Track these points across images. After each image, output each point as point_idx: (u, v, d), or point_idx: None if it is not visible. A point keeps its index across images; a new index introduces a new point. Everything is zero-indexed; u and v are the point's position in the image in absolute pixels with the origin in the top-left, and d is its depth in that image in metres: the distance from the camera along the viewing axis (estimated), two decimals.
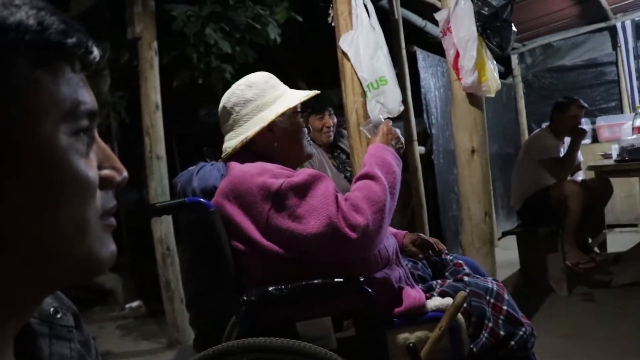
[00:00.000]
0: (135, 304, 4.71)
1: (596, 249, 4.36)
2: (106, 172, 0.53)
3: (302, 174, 1.42)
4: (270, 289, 1.39)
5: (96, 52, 0.51)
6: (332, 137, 2.94)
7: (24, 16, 0.45)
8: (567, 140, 4.06)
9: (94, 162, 0.51)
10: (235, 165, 1.51)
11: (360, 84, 2.48)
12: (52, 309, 0.59)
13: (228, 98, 1.59)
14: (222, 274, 1.53)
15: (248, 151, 1.53)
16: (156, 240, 3.50)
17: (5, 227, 0.45)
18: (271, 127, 1.54)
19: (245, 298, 1.40)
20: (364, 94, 2.49)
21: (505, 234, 5.64)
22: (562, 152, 3.99)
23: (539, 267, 3.80)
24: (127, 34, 3.57)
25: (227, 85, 4.56)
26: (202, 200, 1.53)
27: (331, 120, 2.94)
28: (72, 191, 0.48)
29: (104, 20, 4.40)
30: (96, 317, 4.54)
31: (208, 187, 1.89)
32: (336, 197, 1.38)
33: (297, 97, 1.59)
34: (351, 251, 1.36)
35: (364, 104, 2.49)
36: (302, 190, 1.38)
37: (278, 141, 1.56)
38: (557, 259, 3.71)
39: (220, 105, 1.61)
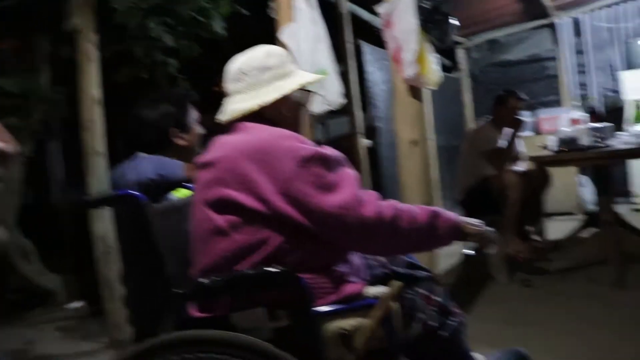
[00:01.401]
0: (77, 304, 4.58)
1: (536, 237, 4.50)
2: None
3: (330, 149, 1.47)
4: (203, 280, 1.38)
5: None
6: None
7: None
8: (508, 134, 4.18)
9: None
10: (253, 126, 1.51)
11: None
12: None
13: (245, 62, 1.59)
14: (155, 268, 1.50)
15: (257, 115, 1.55)
16: (97, 237, 3.41)
17: None
18: (286, 96, 1.58)
19: (177, 291, 1.38)
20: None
21: None
22: (501, 144, 4.11)
23: (480, 256, 3.89)
24: (66, 26, 3.46)
25: (173, 80, 4.48)
26: (133, 192, 1.50)
27: None
28: None
29: (43, 13, 4.26)
30: (35, 319, 4.39)
31: (142, 180, 1.85)
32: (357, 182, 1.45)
33: (310, 75, 1.66)
34: (360, 232, 1.41)
35: None
36: (331, 164, 1.43)
37: (288, 112, 1.61)
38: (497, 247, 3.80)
39: (235, 67, 1.60)
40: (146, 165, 1.95)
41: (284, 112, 1.59)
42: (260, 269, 1.40)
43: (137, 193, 1.51)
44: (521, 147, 4.36)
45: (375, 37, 5.08)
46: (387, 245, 1.48)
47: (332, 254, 1.48)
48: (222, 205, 1.44)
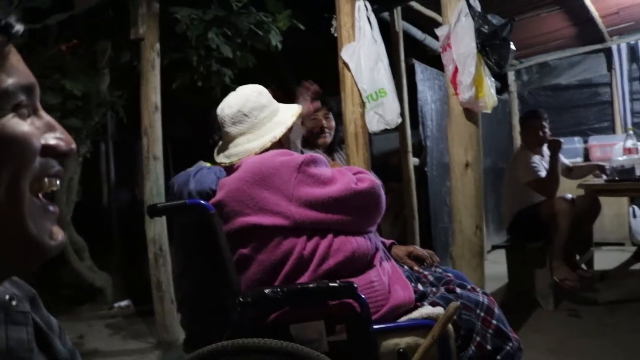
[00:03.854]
0: (124, 303, 4.72)
1: (583, 266, 4.41)
2: (51, 141, 0.55)
3: (314, 154, 1.65)
4: (266, 290, 1.43)
5: (18, 26, 0.52)
6: (327, 139, 2.78)
7: None
8: (546, 151, 4.16)
9: (36, 130, 0.53)
10: (246, 159, 1.63)
11: (360, 94, 2.53)
12: (7, 297, 0.62)
13: (243, 103, 1.71)
14: (218, 276, 1.56)
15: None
16: (149, 240, 3.50)
17: None
18: None
19: (241, 299, 1.44)
20: (363, 105, 2.54)
21: (494, 247, 5.70)
22: (544, 163, 4.06)
23: (527, 282, 3.85)
24: (130, 34, 3.61)
25: (226, 89, 4.60)
26: (202, 202, 1.57)
27: (327, 122, 2.76)
28: (12, 154, 0.50)
29: (106, 19, 4.43)
30: (85, 315, 4.54)
31: (204, 190, 1.91)
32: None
33: (294, 105, 1.83)
34: (366, 202, 1.58)
35: (363, 115, 2.54)
36: (320, 163, 1.59)
37: (284, 139, 1.74)
38: (544, 274, 3.77)
39: (233, 110, 1.71)
40: (208, 175, 2.01)
41: (281, 140, 1.71)
42: (322, 282, 1.45)
43: (206, 203, 1.57)
44: (565, 161, 4.32)
45: (426, 56, 5.12)
46: (383, 204, 1.64)
47: (356, 256, 1.54)
48: (244, 234, 1.55)
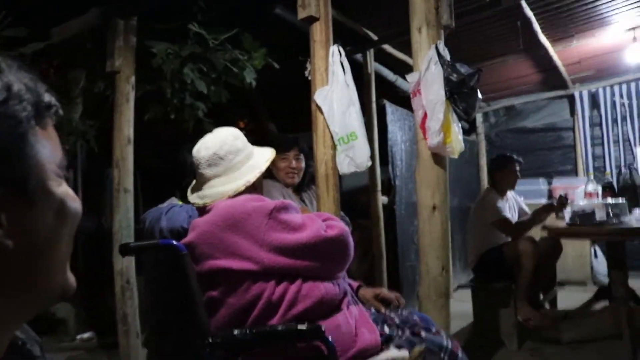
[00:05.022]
0: (86, 335, 4.61)
1: (547, 305, 4.51)
2: None
3: (285, 200, 1.70)
4: (235, 332, 1.45)
5: (57, 103, 0.59)
6: (295, 180, 2.92)
7: (19, 82, 0.52)
8: (510, 195, 4.27)
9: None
10: (219, 202, 1.66)
11: (332, 137, 2.59)
12: (20, 342, 0.63)
13: (220, 147, 1.73)
14: (188, 315, 1.58)
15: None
16: (116, 272, 3.47)
17: (27, 262, 0.53)
18: None
19: (210, 340, 1.45)
20: (334, 147, 2.60)
21: (460, 287, 5.78)
22: (507, 206, 4.18)
23: (492, 321, 3.91)
24: (106, 66, 3.63)
25: (199, 123, 4.61)
26: (175, 243, 1.59)
27: (297, 163, 2.92)
28: (72, 223, 0.58)
29: (82, 50, 4.45)
30: (45, 347, 4.34)
31: (175, 228, 1.94)
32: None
33: (269, 149, 1.87)
34: (335, 250, 1.63)
35: (334, 157, 2.60)
36: (291, 210, 1.63)
37: (257, 182, 1.79)
38: (509, 313, 3.83)
39: (209, 153, 1.73)
40: (179, 213, 2.04)
41: (255, 184, 1.76)
42: (290, 324, 1.48)
43: (178, 244, 1.60)
44: (526, 208, 4.44)
45: (397, 96, 5.24)
46: (351, 251, 1.68)
47: (324, 301, 1.58)
48: (213, 276, 1.58)
